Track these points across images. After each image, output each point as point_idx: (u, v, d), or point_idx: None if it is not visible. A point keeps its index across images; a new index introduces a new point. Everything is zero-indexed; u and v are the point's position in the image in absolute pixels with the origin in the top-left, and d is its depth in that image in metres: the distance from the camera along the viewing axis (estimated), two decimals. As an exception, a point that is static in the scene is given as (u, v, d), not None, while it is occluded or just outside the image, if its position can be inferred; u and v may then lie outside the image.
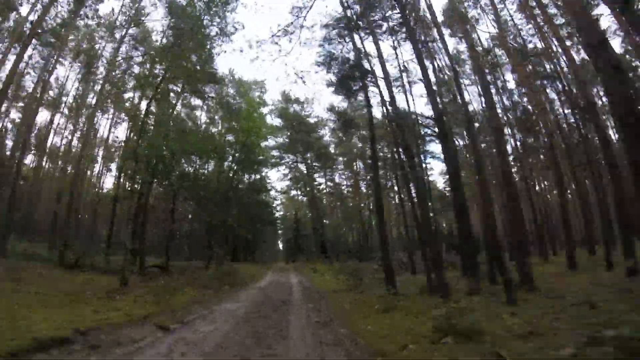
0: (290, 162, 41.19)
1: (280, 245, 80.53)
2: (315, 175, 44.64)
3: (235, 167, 28.18)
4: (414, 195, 13.72)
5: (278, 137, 40.20)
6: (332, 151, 44.45)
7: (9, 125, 28.73)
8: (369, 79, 13.12)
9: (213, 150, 19.46)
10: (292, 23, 13.43)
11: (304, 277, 21.13)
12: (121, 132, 33.91)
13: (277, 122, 40.44)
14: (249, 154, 26.97)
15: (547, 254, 21.16)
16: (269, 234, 69.19)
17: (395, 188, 49.10)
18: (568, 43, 18.11)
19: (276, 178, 49.98)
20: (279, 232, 72.13)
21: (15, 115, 28.29)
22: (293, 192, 57.85)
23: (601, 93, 22.28)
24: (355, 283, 13.01)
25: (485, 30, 21.92)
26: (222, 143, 23.81)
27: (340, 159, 45.95)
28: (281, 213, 66.68)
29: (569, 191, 26.22)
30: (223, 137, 28.07)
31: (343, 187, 51.77)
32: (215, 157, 20.73)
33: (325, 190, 49.59)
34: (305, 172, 40.53)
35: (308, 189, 39.30)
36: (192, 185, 18.62)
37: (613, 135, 22.70)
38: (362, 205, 47.40)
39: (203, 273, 16.10)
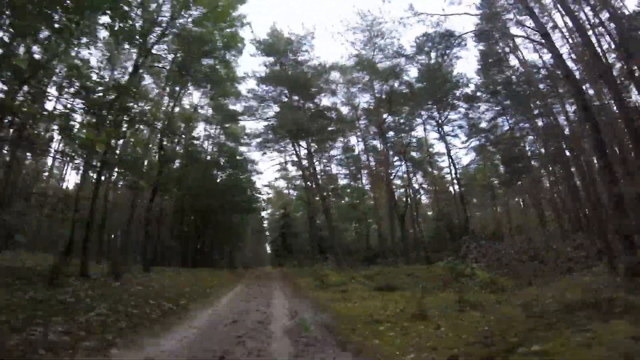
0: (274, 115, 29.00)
1: (268, 249, 69.97)
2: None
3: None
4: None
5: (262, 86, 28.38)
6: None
7: None
8: None
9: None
10: None
11: (305, 304, 9.11)
12: None
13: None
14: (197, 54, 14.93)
15: None
16: (254, 236, 59.26)
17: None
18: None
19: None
20: (267, 233, 61.84)
21: None
22: (281, 184, 46.68)
23: None
24: None
25: None
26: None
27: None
28: (268, 212, 56.52)
29: None
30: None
31: (341, 177, 40.19)
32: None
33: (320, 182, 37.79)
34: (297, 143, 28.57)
35: (304, 156, 27.31)
36: None
37: None
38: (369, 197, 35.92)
39: None
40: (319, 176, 28.94)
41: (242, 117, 27.26)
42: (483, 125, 29.00)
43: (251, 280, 17.85)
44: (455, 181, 30.25)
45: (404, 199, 29.94)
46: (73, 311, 5.66)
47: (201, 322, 6.62)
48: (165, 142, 17.06)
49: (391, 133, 31.52)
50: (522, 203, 35.98)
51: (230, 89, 22.47)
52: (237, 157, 27.76)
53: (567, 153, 23.91)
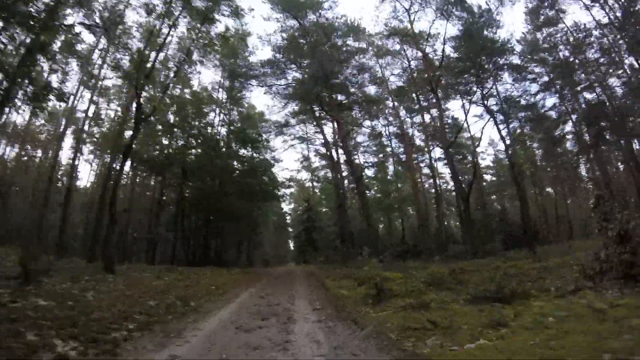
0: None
1: (291, 245, 66.75)
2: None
3: None
4: None
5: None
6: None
7: None
8: None
9: None
10: None
11: (363, 344, 4.45)
12: None
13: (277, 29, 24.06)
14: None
15: None
16: (276, 232, 56.18)
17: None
18: None
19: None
20: (289, 229, 58.24)
21: None
22: (304, 176, 42.35)
23: None
24: None
25: None
26: None
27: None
28: (291, 207, 54.95)
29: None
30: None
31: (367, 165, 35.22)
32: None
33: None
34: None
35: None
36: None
37: None
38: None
39: None
40: (350, 150, 23.97)
41: (255, 80, 22.92)
42: (525, 102, 25.03)
43: (267, 283, 13.40)
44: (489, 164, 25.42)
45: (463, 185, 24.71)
46: None
47: None
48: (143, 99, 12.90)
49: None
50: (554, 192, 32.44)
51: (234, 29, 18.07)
52: (251, 137, 23.41)
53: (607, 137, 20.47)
